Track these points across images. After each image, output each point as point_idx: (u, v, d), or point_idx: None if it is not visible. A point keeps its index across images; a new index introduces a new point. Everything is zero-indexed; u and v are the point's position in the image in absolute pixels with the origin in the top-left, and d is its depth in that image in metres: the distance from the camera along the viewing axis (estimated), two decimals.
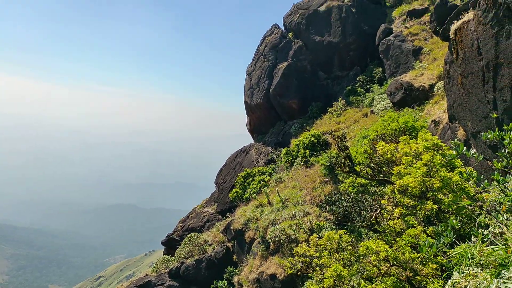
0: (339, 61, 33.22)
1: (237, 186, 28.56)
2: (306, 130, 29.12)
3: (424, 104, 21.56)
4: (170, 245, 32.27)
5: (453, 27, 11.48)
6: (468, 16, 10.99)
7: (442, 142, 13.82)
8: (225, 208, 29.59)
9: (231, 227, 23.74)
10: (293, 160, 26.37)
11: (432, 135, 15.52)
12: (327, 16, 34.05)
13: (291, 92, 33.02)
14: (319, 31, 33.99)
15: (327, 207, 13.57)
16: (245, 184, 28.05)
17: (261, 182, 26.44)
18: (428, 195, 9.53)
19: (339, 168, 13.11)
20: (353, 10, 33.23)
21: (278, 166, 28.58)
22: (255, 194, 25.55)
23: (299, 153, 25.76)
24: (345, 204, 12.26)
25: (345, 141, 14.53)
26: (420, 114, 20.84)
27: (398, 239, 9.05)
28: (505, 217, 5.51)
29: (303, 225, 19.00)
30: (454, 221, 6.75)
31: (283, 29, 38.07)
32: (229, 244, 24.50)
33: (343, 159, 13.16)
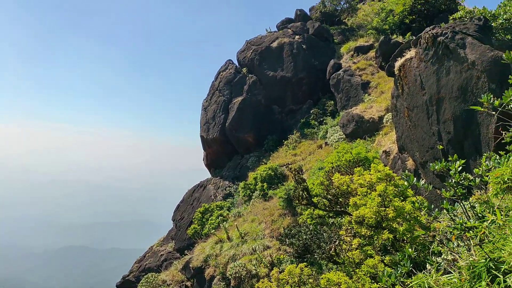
0: (292, 95, 34.16)
1: (195, 222, 28.05)
2: (263, 163, 29.39)
3: (375, 135, 22.48)
4: (126, 287, 30.84)
5: (397, 64, 12.25)
6: (411, 53, 11.79)
7: (393, 171, 14.39)
8: (183, 246, 28.87)
9: (190, 265, 23.13)
10: (251, 194, 26.38)
11: (384, 165, 16.11)
12: (279, 52, 35.19)
13: (246, 126, 33.41)
14: (272, 66, 34.97)
15: (287, 240, 13.61)
16: (204, 220, 27.61)
17: (220, 217, 26.14)
18: (383, 225, 9.82)
19: (297, 201, 13.26)
20: (304, 47, 34.58)
21: (236, 200, 28.45)
22: (214, 230, 25.18)
23: (257, 186, 25.85)
24: (305, 237, 12.38)
25: (302, 174, 14.81)
26: (371, 145, 21.67)
27: (357, 270, 9.20)
28: (456, 244, 5.79)
29: (263, 260, 18.86)
30: (410, 250, 6.99)
31: (237, 64, 38.84)
32: (189, 283, 23.77)
33: (300, 192, 13.32)
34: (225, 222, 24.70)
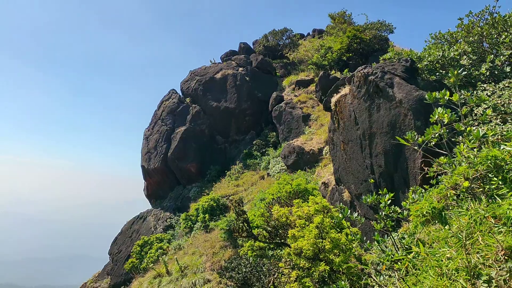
0: (236, 126, 34.46)
1: (134, 256, 26.87)
2: (205, 194, 29.05)
3: (315, 167, 23.08)
4: None
5: (333, 100, 12.81)
6: (345, 90, 12.40)
7: (331, 203, 14.77)
8: (119, 281, 27.47)
9: None
10: (192, 225, 25.85)
11: (323, 196, 16.53)
12: (223, 83, 35.61)
13: (189, 156, 33.08)
14: (216, 97, 35.22)
15: (226, 273, 13.40)
16: (142, 253, 26.53)
17: (160, 250, 25.27)
18: (321, 256, 9.96)
19: (237, 233, 13.17)
20: (247, 79, 35.27)
21: (177, 232, 27.73)
22: (152, 264, 24.24)
23: (199, 218, 25.40)
24: (244, 270, 12.27)
25: (243, 206, 14.77)
26: (312, 176, 22.18)
27: None
28: (385, 275, 6.00)
29: None
30: (343, 282, 7.14)
31: (181, 94, 38.75)
32: None
33: (241, 224, 13.27)
34: (164, 256, 23.92)
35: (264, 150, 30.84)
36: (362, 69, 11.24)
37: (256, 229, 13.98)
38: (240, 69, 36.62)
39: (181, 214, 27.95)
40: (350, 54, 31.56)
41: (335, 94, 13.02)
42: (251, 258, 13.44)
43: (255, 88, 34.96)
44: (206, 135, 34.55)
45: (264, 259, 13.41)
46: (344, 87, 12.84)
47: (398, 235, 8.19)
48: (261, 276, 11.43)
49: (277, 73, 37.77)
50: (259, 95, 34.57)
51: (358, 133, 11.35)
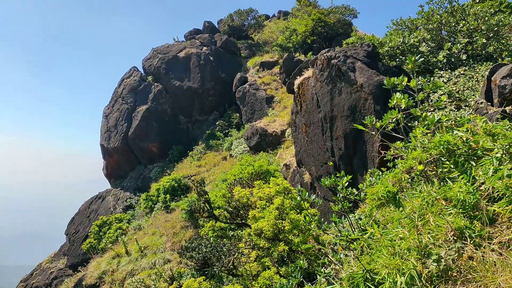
0: (199, 106, 34.08)
1: (92, 236, 26.37)
2: (167, 174, 28.76)
3: (277, 149, 23.27)
4: None
5: (296, 82, 12.86)
6: (308, 73, 12.47)
7: (292, 184, 14.98)
8: (77, 262, 26.93)
9: (83, 283, 21.62)
10: (153, 206, 25.60)
11: (284, 178, 16.73)
12: (187, 62, 34.97)
13: (151, 135, 32.52)
14: (179, 76, 34.59)
15: (187, 253, 13.41)
16: (101, 234, 26.08)
17: (119, 231, 24.92)
18: (280, 237, 10.13)
19: (198, 214, 13.18)
20: (211, 58, 34.79)
21: (137, 212, 27.40)
22: (111, 244, 23.90)
23: (160, 198, 25.17)
24: (205, 250, 12.31)
25: (204, 186, 14.77)
26: (274, 157, 22.37)
27: (254, 282, 9.37)
28: (343, 254, 6.17)
29: (163, 274, 18.31)
30: (301, 262, 7.30)
31: (143, 72, 37.78)
32: None
33: (202, 204, 13.28)
34: (124, 236, 23.63)
35: (227, 131, 30.75)
36: (325, 53, 11.31)
37: (218, 209, 14.05)
38: (204, 48, 36.05)
39: (142, 194, 27.60)
40: (315, 38, 31.71)
41: (298, 77, 13.08)
42: (211, 239, 13.52)
43: (219, 68, 34.58)
44: (168, 115, 34.01)
45: (224, 239, 13.51)
46: (308, 70, 12.91)
47: (355, 216, 8.44)
48: (221, 256, 11.50)
49: (242, 54, 37.45)
50: (223, 75, 34.24)
51: (320, 116, 11.49)
